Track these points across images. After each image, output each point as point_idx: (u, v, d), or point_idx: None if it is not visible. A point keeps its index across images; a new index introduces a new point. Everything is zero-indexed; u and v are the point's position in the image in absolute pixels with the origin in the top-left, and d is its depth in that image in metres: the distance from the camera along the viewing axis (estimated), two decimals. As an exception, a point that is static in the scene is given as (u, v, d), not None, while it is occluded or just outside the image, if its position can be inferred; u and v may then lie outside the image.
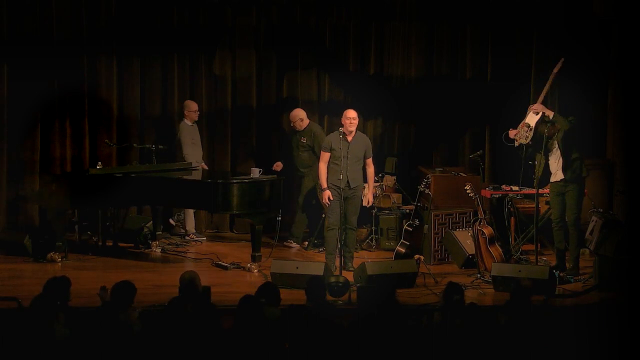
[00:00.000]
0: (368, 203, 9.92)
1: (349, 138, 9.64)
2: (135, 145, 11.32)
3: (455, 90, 11.89)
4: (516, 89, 11.78)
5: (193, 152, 11.16)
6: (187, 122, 11.23)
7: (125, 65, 11.59)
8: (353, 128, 9.66)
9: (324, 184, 9.69)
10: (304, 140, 10.92)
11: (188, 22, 11.68)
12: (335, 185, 9.59)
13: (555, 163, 9.56)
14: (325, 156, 9.74)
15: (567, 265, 9.71)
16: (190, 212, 11.37)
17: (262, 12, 11.77)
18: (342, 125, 9.63)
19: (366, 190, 9.92)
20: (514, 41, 11.84)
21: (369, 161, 9.77)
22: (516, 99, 11.74)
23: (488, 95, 11.87)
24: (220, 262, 10.14)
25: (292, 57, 11.88)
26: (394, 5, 11.91)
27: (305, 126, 10.96)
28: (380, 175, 11.29)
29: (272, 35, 11.81)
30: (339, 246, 9.66)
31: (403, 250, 10.25)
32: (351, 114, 9.71)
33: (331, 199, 9.61)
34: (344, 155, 9.52)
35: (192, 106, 11.27)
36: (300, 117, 10.97)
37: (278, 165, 11.08)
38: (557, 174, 9.58)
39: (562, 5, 11.52)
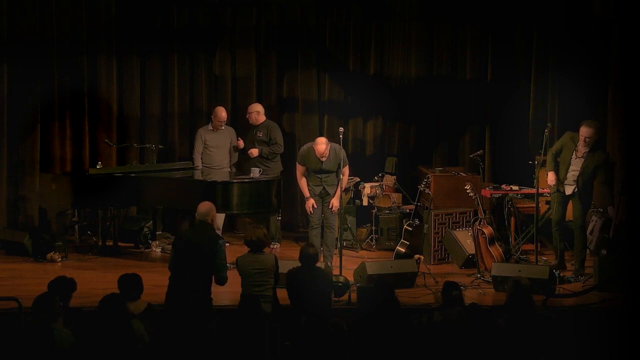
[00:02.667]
0: (332, 209, 9.75)
1: (322, 159, 9.65)
2: (135, 145, 11.34)
3: (455, 90, 11.89)
4: (516, 89, 11.81)
5: (206, 156, 10.91)
6: (209, 127, 11.02)
7: (125, 65, 11.59)
8: (324, 159, 9.63)
9: (307, 193, 9.77)
10: (259, 134, 10.91)
11: (188, 22, 11.68)
12: (314, 193, 9.76)
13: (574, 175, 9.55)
14: (300, 168, 9.80)
15: (569, 265, 9.72)
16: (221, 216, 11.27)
17: (262, 12, 11.77)
18: (338, 134, 9.54)
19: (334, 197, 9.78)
20: (514, 41, 11.84)
21: (344, 170, 9.65)
22: (516, 99, 11.78)
23: (488, 95, 11.87)
24: (220, 262, 10.12)
25: (292, 57, 11.88)
26: (394, 5, 11.90)
27: (261, 121, 10.95)
28: (380, 175, 11.30)
29: (272, 35, 11.82)
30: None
31: (403, 250, 10.24)
32: (320, 151, 9.55)
33: (315, 207, 9.72)
34: (318, 171, 9.67)
35: (219, 115, 10.83)
36: (257, 110, 10.97)
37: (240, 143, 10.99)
38: (569, 188, 9.56)
39: (562, 5, 11.52)
